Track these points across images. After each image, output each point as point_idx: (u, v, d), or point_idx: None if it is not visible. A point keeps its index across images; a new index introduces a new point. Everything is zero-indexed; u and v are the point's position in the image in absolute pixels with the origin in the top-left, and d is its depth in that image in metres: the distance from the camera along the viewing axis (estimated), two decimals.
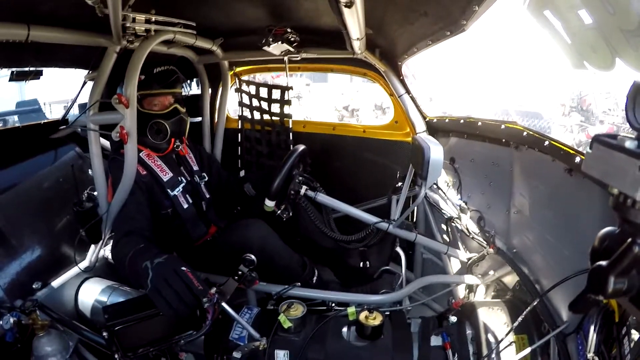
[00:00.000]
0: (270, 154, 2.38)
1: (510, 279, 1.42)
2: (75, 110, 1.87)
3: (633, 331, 0.79)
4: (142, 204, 1.57)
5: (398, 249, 1.72)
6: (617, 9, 0.48)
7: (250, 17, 1.68)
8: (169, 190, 1.68)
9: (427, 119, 2.02)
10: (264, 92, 2.30)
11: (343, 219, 1.89)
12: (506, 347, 1.10)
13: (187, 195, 1.75)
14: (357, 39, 1.43)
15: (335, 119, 10.26)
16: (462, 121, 1.73)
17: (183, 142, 1.86)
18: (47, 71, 1.68)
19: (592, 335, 0.84)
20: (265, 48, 1.75)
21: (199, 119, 2.33)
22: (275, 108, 2.28)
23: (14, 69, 1.57)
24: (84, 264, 1.67)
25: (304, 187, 1.56)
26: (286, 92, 2.21)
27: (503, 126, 1.41)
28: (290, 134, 2.26)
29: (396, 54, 1.81)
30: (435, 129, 1.99)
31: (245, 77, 2.40)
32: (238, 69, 2.34)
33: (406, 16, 1.36)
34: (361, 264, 1.73)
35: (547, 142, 1.14)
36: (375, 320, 1.22)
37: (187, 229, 1.73)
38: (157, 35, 1.50)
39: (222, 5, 1.57)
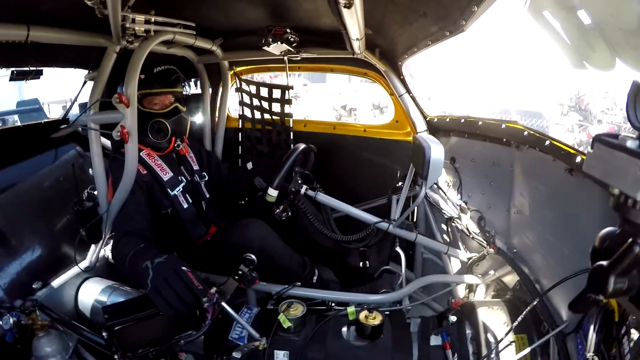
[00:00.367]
0: (270, 153, 2.38)
1: (510, 279, 1.42)
2: (75, 110, 1.87)
3: (633, 331, 0.78)
4: (143, 204, 1.57)
5: (398, 249, 1.72)
6: (617, 9, 0.48)
7: (250, 17, 1.68)
8: (169, 190, 1.68)
9: (428, 119, 2.02)
10: (264, 91, 2.30)
11: (343, 219, 1.89)
12: (506, 346, 1.10)
13: (187, 195, 1.75)
14: (357, 39, 1.43)
15: (333, 118, 10.28)
16: (462, 120, 1.73)
17: (184, 141, 1.86)
18: (46, 71, 1.68)
19: (592, 335, 0.84)
20: (265, 48, 1.75)
21: (200, 118, 2.33)
22: (276, 107, 2.28)
23: (14, 69, 1.57)
24: (84, 264, 1.67)
25: (305, 186, 1.56)
26: (286, 91, 2.21)
27: (504, 126, 1.41)
28: (291, 133, 2.26)
29: (396, 54, 1.81)
30: (436, 128, 1.98)
31: (245, 77, 2.40)
32: (238, 69, 2.34)
33: (406, 16, 1.36)
34: (361, 264, 1.73)
35: (548, 142, 1.14)
36: (375, 320, 1.22)
37: (187, 229, 1.73)
38: (156, 35, 1.50)
39: (221, 6, 1.57)
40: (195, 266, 1.16)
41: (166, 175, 1.69)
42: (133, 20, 1.36)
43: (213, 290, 1.12)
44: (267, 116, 2.33)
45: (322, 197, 1.59)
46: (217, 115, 2.42)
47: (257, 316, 1.33)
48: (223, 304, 1.16)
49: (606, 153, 0.60)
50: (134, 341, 1.11)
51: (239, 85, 2.36)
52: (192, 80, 2.42)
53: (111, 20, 1.23)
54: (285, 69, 2.13)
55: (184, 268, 1.09)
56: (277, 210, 1.53)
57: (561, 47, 0.57)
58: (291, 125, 2.26)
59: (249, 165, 2.02)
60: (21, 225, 1.50)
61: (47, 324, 1.19)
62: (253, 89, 2.33)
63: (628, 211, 0.57)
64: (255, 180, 1.89)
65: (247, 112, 2.41)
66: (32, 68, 1.60)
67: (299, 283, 1.55)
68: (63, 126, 1.65)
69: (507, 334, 1.10)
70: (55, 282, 1.54)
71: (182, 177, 1.75)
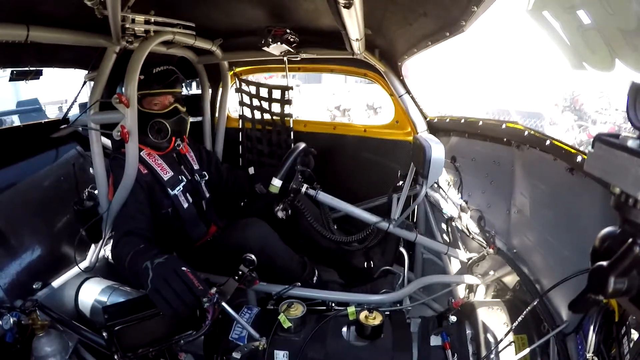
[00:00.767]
0: (271, 153, 2.38)
1: (511, 279, 1.42)
2: (75, 110, 1.87)
3: (633, 331, 0.78)
4: (143, 204, 1.57)
5: (401, 249, 1.72)
6: (616, 9, 0.47)
7: (250, 17, 1.68)
8: (169, 190, 1.68)
9: (428, 119, 2.02)
10: (264, 92, 2.30)
11: (344, 219, 1.89)
12: (506, 347, 1.10)
13: (188, 195, 1.75)
14: (357, 39, 1.43)
15: (327, 119, 10.30)
16: (463, 121, 1.73)
17: (184, 141, 1.86)
18: (43, 72, 1.68)
19: (592, 335, 0.84)
20: (265, 49, 1.75)
21: (200, 118, 2.33)
22: (276, 108, 2.28)
23: (13, 69, 1.57)
24: (84, 264, 1.68)
25: (305, 185, 1.56)
26: (286, 91, 2.21)
27: (504, 125, 1.41)
28: (291, 133, 2.26)
29: (396, 54, 1.81)
30: (436, 128, 1.98)
31: (244, 77, 2.40)
32: (238, 69, 2.34)
33: (405, 17, 1.36)
34: (365, 264, 1.73)
35: (548, 142, 1.14)
36: (375, 320, 1.22)
37: (187, 228, 1.74)
38: (156, 35, 1.50)
39: (221, 6, 1.57)
40: (196, 266, 1.15)
41: (166, 174, 1.69)
42: (133, 21, 1.36)
43: (213, 290, 1.12)
44: (267, 116, 2.33)
45: (323, 197, 1.59)
46: (217, 115, 2.43)
47: (257, 316, 1.33)
48: (223, 304, 1.16)
49: (607, 152, 0.60)
50: (134, 341, 1.11)
51: (238, 86, 2.37)
52: (191, 81, 2.42)
53: (111, 21, 1.23)
54: (285, 70, 2.13)
55: (184, 268, 1.09)
56: (277, 208, 1.52)
57: (560, 48, 0.57)
58: (291, 126, 2.26)
59: (251, 170, 2.02)
60: (21, 225, 1.50)
61: (47, 324, 1.19)
62: (253, 89, 2.33)
63: (629, 211, 0.57)
64: (257, 186, 1.89)
65: (247, 112, 2.41)
66: (32, 68, 1.60)
67: (299, 283, 1.55)
68: (63, 126, 1.65)
69: (507, 334, 1.10)
70: (56, 282, 1.54)
71: (183, 177, 1.75)
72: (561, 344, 1.01)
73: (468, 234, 1.51)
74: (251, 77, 2.44)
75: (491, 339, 1.15)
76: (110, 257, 1.75)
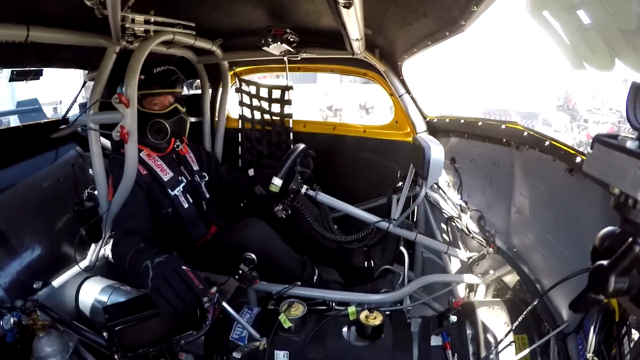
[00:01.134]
0: (270, 154, 2.38)
1: (511, 279, 1.42)
2: (75, 110, 1.87)
3: (633, 331, 0.78)
4: (143, 204, 1.57)
5: (402, 248, 1.72)
6: (616, 9, 0.48)
7: (250, 17, 1.68)
8: (169, 190, 1.68)
9: (428, 119, 2.02)
10: (264, 92, 2.30)
11: (344, 219, 1.89)
12: (506, 346, 1.10)
13: (188, 195, 1.75)
14: (357, 39, 1.43)
15: (319, 118, 10.31)
16: (462, 121, 1.74)
17: (183, 141, 1.86)
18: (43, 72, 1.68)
19: (592, 335, 0.84)
20: (265, 48, 1.75)
21: (200, 118, 2.33)
22: (276, 108, 2.28)
23: (14, 69, 1.57)
24: (84, 264, 1.67)
25: (305, 186, 1.56)
26: (286, 91, 2.21)
27: (504, 126, 1.41)
28: (291, 134, 2.26)
29: (396, 54, 1.81)
30: (436, 129, 1.99)
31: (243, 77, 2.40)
32: (238, 69, 2.34)
33: (405, 17, 1.36)
34: (365, 264, 1.73)
35: (547, 142, 1.14)
36: (376, 320, 1.22)
37: (187, 228, 1.74)
38: (156, 35, 1.50)
39: (221, 6, 1.57)
40: (196, 266, 1.15)
41: (166, 175, 1.69)
42: (133, 21, 1.36)
43: (213, 289, 1.12)
44: (267, 117, 2.33)
45: (323, 197, 1.59)
46: (217, 115, 2.43)
47: (258, 316, 1.33)
48: (223, 303, 1.16)
49: (606, 153, 0.60)
50: (134, 341, 1.11)
51: (238, 86, 2.36)
52: (192, 81, 2.42)
53: (111, 21, 1.23)
54: (285, 69, 2.13)
55: (184, 267, 1.09)
56: (277, 208, 1.52)
57: (561, 48, 0.57)
58: (291, 126, 2.26)
59: (251, 172, 2.02)
60: (21, 225, 1.50)
61: (47, 324, 1.19)
62: (253, 89, 2.33)
63: (628, 211, 0.57)
64: (256, 188, 1.89)
65: (247, 113, 2.41)
66: (32, 68, 1.60)
67: (299, 283, 1.55)
68: (63, 126, 1.65)
69: (507, 334, 1.10)
70: (56, 282, 1.54)
71: (182, 177, 1.75)
72: (561, 343, 1.01)
73: (468, 233, 1.51)
74: (248, 78, 2.44)
75: (491, 339, 1.15)
76: (110, 256, 1.75)
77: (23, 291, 1.39)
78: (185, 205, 1.72)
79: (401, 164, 1.99)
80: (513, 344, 1.11)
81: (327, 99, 11.71)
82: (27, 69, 1.59)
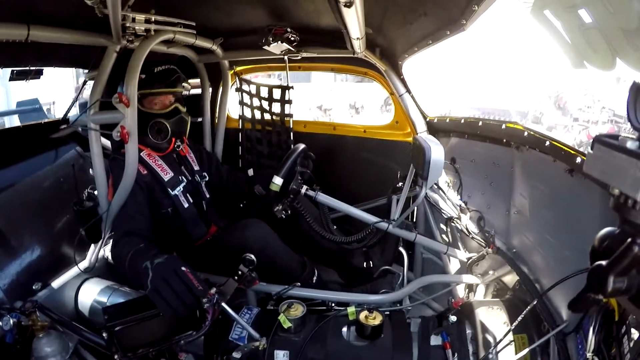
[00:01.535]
0: (270, 154, 2.38)
1: (510, 279, 1.42)
2: (75, 110, 1.87)
3: (633, 330, 0.78)
4: (143, 204, 1.57)
5: (401, 249, 1.72)
6: (617, 8, 0.48)
7: (250, 16, 1.68)
8: (169, 190, 1.68)
9: (428, 119, 2.02)
10: (264, 91, 2.30)
11: (343, 219, 1.89)
12: (506, 346, 1.10)
13: (188, 195, 1.75)
14: (357, 38, 1.43)
15: (310, 118, 10.34)
16: (462, 121, 1.74)
17: (184, 141, 1.86)
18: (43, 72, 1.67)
19: (592, 335, 0.84)
20: (266, 47, 1.75)
21: (200, 118, 2.33)
22: (276, 108, 2.28)
23: (14, 69, 1.57)
24: (83, 264, 1.67)
25: (305, 186, 1.56)
26: (287, 91, 2.21)
27: (504, 126, 1.41)
28: (291, 134, 2.26)
29: (396, 53, 1.81)
30: (436, 129, 1.99)
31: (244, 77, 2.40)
32: (238, 68, 2.34)
33: (406, 16, 1.36)
34: (365, 264, 1.73)
35: (548, 143, 1.14)
36: (375, 320, 1.22)
37: (187, 229, 1.73)
38: (156, 35, 1.50)
39: (221, 5, 1.57)
40: (195, 266, 1.15)
41: (167, 175, 1.69)
42: (133, 20, 1.36)
43: (213, 290, 1.12)
44: (267, 116, 2.33)
45: (322, 197, 1.59)
46: (217, 115, 2.42)
47: (257, 316, 1.33)
48: (223, 304, 1.16)
49: (606, 154, 0.60)
50: (134, 342, 1.11)
51: (239, 85, 2.36)
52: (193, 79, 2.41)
53: (111, 20, 1.23)
54: (285, 69, 2.13)
55: (183, 268, 1.08)
56: (277, 208, 1.52)
57: (562, 47, 0.57)
58: (291, 126, 2.26)
59: (250, 172, 2.02)
60: (21, 226, 1.50)
61: (47, 325, 1.19)
62: (253, 88, 2.33)
63: (628, 211, 0.57)
64: (255, 188, 1.89)
65: (247, 113, 2.41)
66: (32, 68, 1.60)
67: (299, 283, 1.55)
68: (63, 126, 1.64)
69: (507, 334, 1.10)
70: (55, 283, 1.54)
71: (183, 177, 1.75)
72: (561, 343, 1.01)
73: (467, 233, 1.51)
74: (247, 77, 2.44)
75: (491, 339, 1.15)
76: (110, 257, 1.74)
77: (22, 292, 1.39)
78: (186, 205, 1.72)
79: (401, 164, 1.99)
80: (513, 343, 1.11)
81: (317, 99, 11.76)
82: (28, 68, 1.59)
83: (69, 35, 1.37)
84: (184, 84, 1.73)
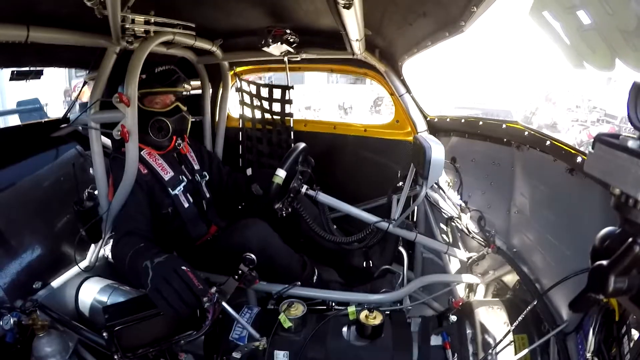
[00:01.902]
0: (271, 153, 2.38)
1: (511, 278, 1.42)
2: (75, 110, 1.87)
3: (633, 330, 0.78)
4: (143, 204, 1.58)
5: (400, 248, 1.72)
6: (616, 9, 0.48)
7: (250, 18, 1.68)
8: (169, 189, 1.68)
9: (428, 119, 2.02)
10: (264, 91, 2.30)
11: (343, 219, 1.89)
12: (506, 346, 1.10)
13: (188, 195, 1.75)
14: (357, 39, 1.43)
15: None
16: (463, 121, 1.74)
17: (184, 140, 1.86)
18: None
19: (592, 335, 0.84)
20: (265, 49, 1.75)
21: (200, 118, 2.33)
22: (276, 107, 2.28)
23: (14, 69, 1.57)
24: (84, 264, 1.67)
25: (305, 186, 1.56)
26: (287, 91, 2.21)
27: (504, 126, 1.41)
28: (292, 133, 2.26)
29: (396, 54, 1.81)
30: (437, 128, 1.99)
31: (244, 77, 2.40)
32: (238, 69, 2.34)
33: (405, 17, 1.36)
34: (365, 264, 1.73)
35: (548, 142, 1.14)
36: (376, 319, 1.22)
37: (187, 228, 1.74)
38: (156, 36, 1.50)
39: (221, 7, 1.57)
40: (196, 266, 1.16)
41: (167, 174, 1.69)
42: (133, 21, 1.36)
43: (213, 290, 1.12)
44: (267, 116, 2.33)
45: (323, 197, 1.59)
46: (217, 115, 2.43)
47: (258, 316, 1.33)
48: (223, 303, 1.16)
49: (607, 153, 0.60)
50: (134, 341, 1.11)
51: (239, 86, 2.36)
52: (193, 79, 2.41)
53: (111, 21, 1.23)
54: (285, 70, 2.13)
55: (184, 268, 1.09)
56: (277, 206, 1.52)
57: (561, 48, 0.57)
58: (292, 125, 2.26)
59: (249, 172, 2.02)
60: (21, 225, 1.50)
61: (47, 324, 1.19)
62: (253, 88, 2.33)
63: (629, 211, 0.57)
64: (253, 187, 1.89)
65: (248, 112, 2.41)
66: (32, 68, 1.60)
67: (299, 283, 1.55)
68: (63, 125, 1.65)
69: (507, 334, 1.10)
70: (56, 282, 1.54)
71: (183, 177, 1.76)
72: (561, 343, 1.01)
73: (468, 233, 1.51)
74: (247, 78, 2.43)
75: (491, 339, 1.15)
76: (110, 256, 1.75)
77: (23, 291, 1.39)
78: (186, 205, 1.72)
79: (402, 164, 1.99)
80: (513, 343, 1.11)
81: (305, 100, 11.80)
82: (28, 69, 1.59)
83: (69, 37, 1.37)
84: (184, 84, 1.73)
